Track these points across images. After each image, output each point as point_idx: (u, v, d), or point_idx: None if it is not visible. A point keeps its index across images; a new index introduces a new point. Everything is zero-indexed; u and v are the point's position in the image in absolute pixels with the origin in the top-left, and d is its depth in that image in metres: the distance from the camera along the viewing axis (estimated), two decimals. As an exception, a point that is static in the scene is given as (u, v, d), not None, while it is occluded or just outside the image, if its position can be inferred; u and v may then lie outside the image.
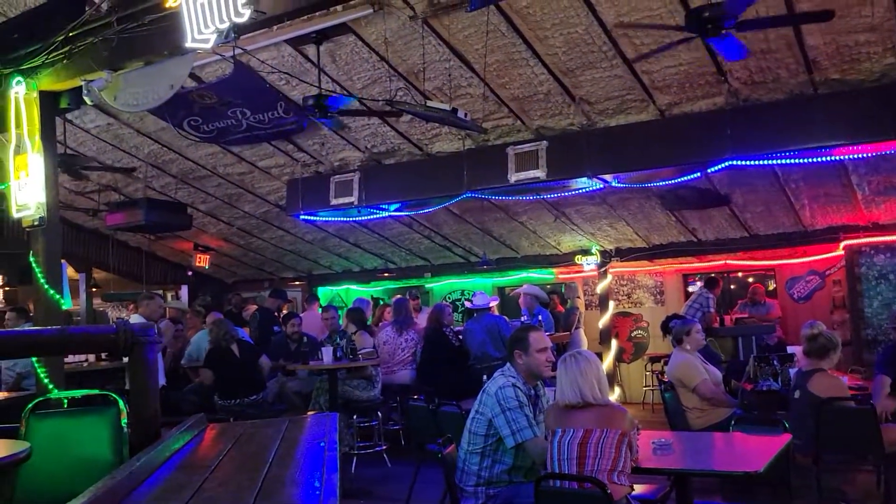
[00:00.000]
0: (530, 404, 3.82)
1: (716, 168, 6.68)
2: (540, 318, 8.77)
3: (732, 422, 4.69)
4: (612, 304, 10.52)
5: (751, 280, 10.66)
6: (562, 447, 3.32)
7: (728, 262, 10.02)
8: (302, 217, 9.02)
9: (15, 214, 4.74)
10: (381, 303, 11.15)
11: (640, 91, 6.27)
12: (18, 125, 4.63)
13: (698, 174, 7.01)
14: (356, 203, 8.24)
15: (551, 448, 3.38)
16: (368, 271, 12.50)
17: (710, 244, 9.50)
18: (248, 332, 8.61)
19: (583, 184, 7.37)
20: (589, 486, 3.14)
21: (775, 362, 5.86)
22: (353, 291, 13.05)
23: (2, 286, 11.27)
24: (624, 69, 5.97)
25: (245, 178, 9.25)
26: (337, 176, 8.39)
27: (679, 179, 7.15)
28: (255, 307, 10.34)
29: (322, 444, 2.62)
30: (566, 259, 10.47)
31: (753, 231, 9.03)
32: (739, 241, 9.27)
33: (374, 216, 9.08)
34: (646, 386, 10.32)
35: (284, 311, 9.84)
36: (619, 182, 7.34)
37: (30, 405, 3.02)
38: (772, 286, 10.37)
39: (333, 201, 8.39)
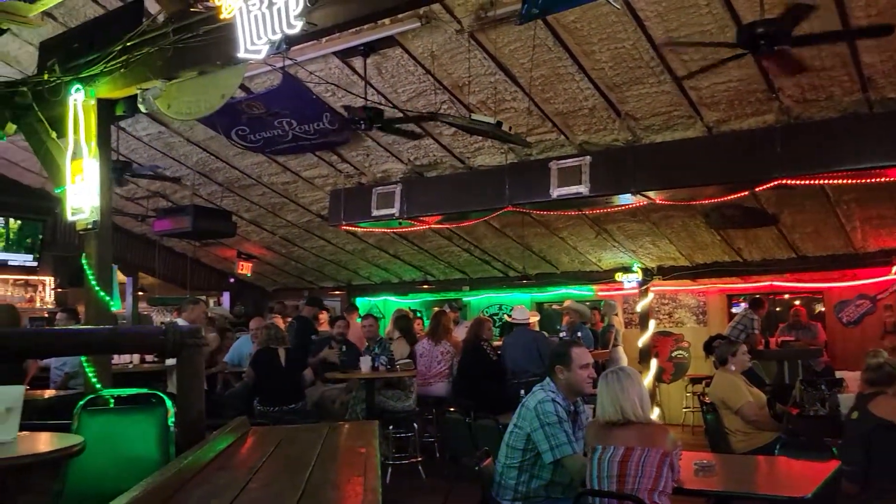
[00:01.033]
0: (570, 420, 3.78)
1: (764, 187, 6.57)
2: (580, 334, 8.69)
3: (778, 446, 4.58)
4: (652, 322, 10.38)
5: (797, 303, 10.43)
6: (602, 464, 3.28)
7: (774, 283, 9.82)
8: (343, 227, 9.11)
9: (70, 218, 4.86)
10: (418, 315, 11.17)
11: (687, 107, 6.22)
12: (76, 131, 4.76)
13: (745, 192, 6.90)
14: (397, 215, 8.28)
15: (591, 465, 3.34)
16: (407, 283, 12.55)
17: (756, 264, 9.33)
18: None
19: (626, 200, 7.31)
20: (629, 505, 3.10)
21: (823, 387, 5.71)
22: (390, 303, 13.10)
23: (53, 288, 11.56)
24: (671, 85, 5.93)
25: (289, 187, 9.38)
26: (379, 187, 8.46)
27: (725, 198, 7.05)
28: (279, 317, 10.39)
29: (363, 450, 2.64)
30: (606, 276, 10.38)
31: (802, 252, 8.85)
32: (787, 262, 9.09)
33: (415, 228, 9.12)
34: (686, 407, 10.14)
35: (322, 319, 9.90)
36: (662, 199, 7.27)
37: (81, 402, 3.10)
38: (819, 309, 10.12)
39: (375, 212, 8.45)
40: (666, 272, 9.98)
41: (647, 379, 9.96)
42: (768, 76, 5.59)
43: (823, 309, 10.03)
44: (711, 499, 3.71)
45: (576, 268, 10.69)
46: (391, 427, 7.27)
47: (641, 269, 10.02)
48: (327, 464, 2.44)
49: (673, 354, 10.62)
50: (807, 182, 6.37)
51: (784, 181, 6.21)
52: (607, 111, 6.49)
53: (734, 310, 10.37)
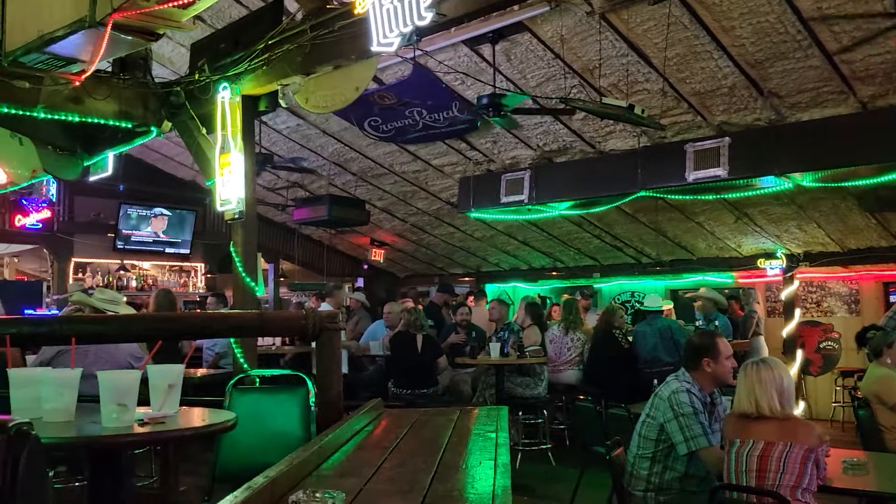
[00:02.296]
0: (706, 412, 3.66)
1: (926, 165, 6.03)
2: (717, 323, 8.35)
3: (941, 447, 4.22)
4: (797, 311, 9.79)
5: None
6: (740, 459, 3.16)
7: (938, 270, 9.01)
8: (473, 214, 9.20)
9: (218, 208, 5.19)
10: (550, 302, 11.11)
11: (838, 82, 5.79)
12: (223, 127, 5.07)
13: (905, 172, 6.36)
14: (526, 201, 8.26)
15: (728, 458, 3.22)
16: (536, 270, 12.50)
17: (917, 250, 8.59)
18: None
19: (769, 183, 6.93)
20: (769, 502, 2.96)
21: None
22: (520, 289, 13.10)
23: (204, 273, 12.43)
24: (820, 59, 5.54)
25: (419, 175, 9.57)
26: (508, 174, 8.46)
27: (881, 178, 6.53)
28: (409, 301, 10.64)
29: (492, 434, 2.67)
30: (747, 262, 9.89)
31: (970, 236, 8.07)
32: (953, 247, 8.32)
33: (545, 214, 9.06)
34: (835, 402, 9.53)
35: (453, 304, 10.08)
36: (810, 181, 6.83)
37: (232, 381, 3.33)
38: None
39: (504, 199, 8.47)
40: (813, 258, 9.38)
41: (792, 371, 9.43)
42: (932, 44, 5.11)
43: None
44: (863, 499, 3.48)
45: (713, 254, 10.25)
46: (521, 413, 7.30)
47: (786, 255, 9.47)
48: (458, 446, 2.49)
49: (821, 345, 10.00)
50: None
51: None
52: (748, 89, 6.16)
53: (893, 298, 9.60)
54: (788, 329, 9.72)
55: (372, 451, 2.44)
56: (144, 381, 2.54)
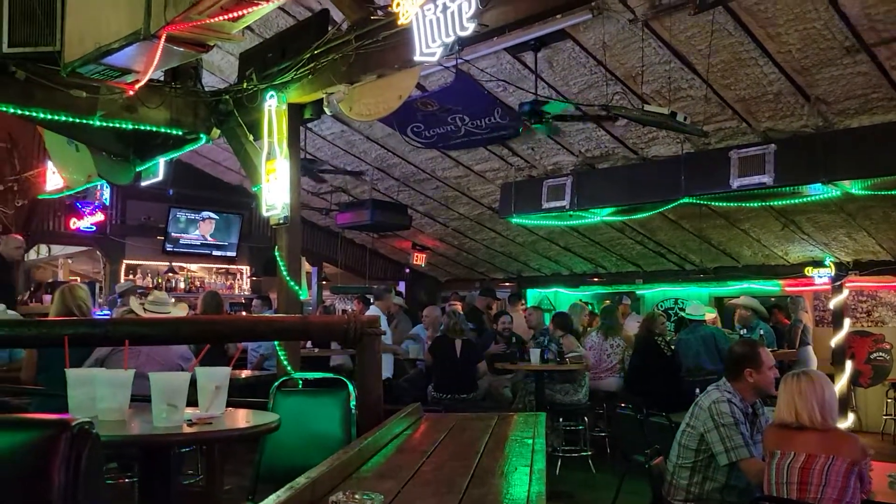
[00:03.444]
0: (747, 422, 3.63)
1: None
2: (761, 332, 8.22)
3: None
4: (847, 321, 9.57)
5: None
6: (780, 470, 3.12)
7: None
8: (514, 220, 9.21)
9: (264, 213, 5.33)
10: (590, 308, 11.05)
11: (888, 88, 5.68)
12: (270, 134, 5.20)
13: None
14: (568, 207, 8.25)
15: (769, 470, 3.19)
16: (578, 275, 12.45)
17: (972, 259, 8.34)
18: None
19: (816, 190, 6.81)
20: (812, 515, 2.93)
21: None
22: (561, 295, 13.06)
23: (249, 276, 12.67)
24: (870, 65, 5.45)
25: (461, 181, 9.63)
26: (550, 180, 8.46)
27: (934, 186, 6.37)
28: (458, 304, 10.70)
29: (529, 440, 2.70)
30: (794, 271, 9.71)
31: None
32: None
33: (586, 220, 9.03)
34: (886, 414, 9.28)
35: (493, 311, 10.10)
36: (860, 188, 6.69)
37: (276, 383, 3.43)
38: None
39: (545, 205, 8.47)
40: (863, 267, 9.16)
41: (842, 382, 9.23)
42: None
43: None
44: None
45: (759, 261, 10.09)
46: (561, 419, 7.29)
47: (835, 263, 9.28)
48: (495, 451, 2.52)
49: (871, 356, 9.74)
50: None
51: None
52: (795, 96, 6.07)
53: (946, 310, 9.34)
54: (837, 339, 9.51)
55: (410, 455, 2.50)
56: (193, 383, 2.64)
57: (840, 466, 2.99)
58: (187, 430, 2.42)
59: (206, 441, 2.92)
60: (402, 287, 14.00)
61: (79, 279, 12.44)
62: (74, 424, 1.08)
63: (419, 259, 13.00)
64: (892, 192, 6.85)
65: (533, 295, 13.22)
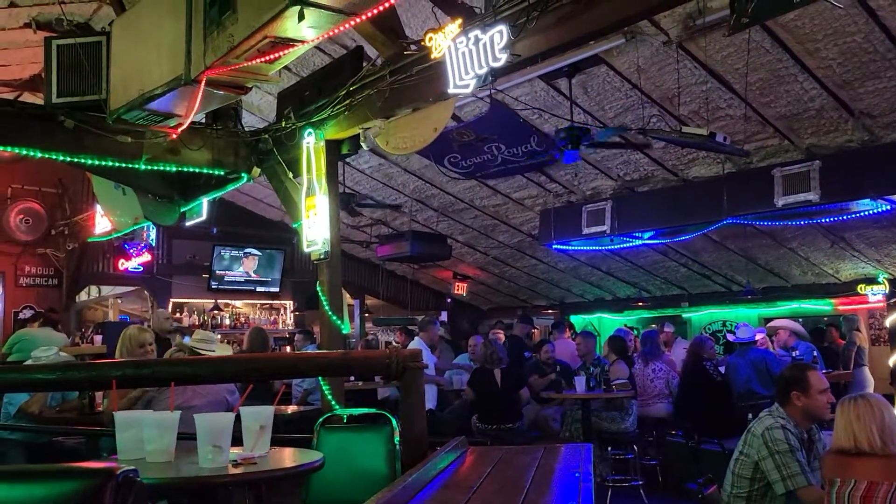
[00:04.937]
0: (803, 449, 3.51)
1: None
2: (796, 353, 8.00)
3: None
4: (904, 339, 9.25)
5: None
6: (842, 499, 3.00)
7: None
8: (554, 246, 9.16)
9: (305, 249, 5.37)
10: (636, 333, 10.88)
11: (935, 99, 5.54)
12: (309, 171, 5.26)
13: None
14: (608, 232, 8.18)
15: (829, 499, 3.07)
16: (621, 300, 12.30)
17: None
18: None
19: (865, 206, 6.64)
20: (876, 547, 2.80)
21: None
22: (605, 321, 12.90)
23: (293, 311, 12.79)
24: (914, 76, 5.33)
25: (500, 209, 9.63)
26: (589, 205, 8.41)
27: None
28: (501, 333, 10.63)
29: (577, 474, 2.64)
30: (846, 289, 9.45)
31: None
32: None
33: (627, 244, 8.94)
34: (951, 436, 8.89)
35: (536, 338, 10.01)
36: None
37: (321, 419, 3.43)
38: None
39: (585, 230, 8.41)
40: (919, 282, 8.88)
41: (901, 403, 8.90)
42: None
43: None
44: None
45: (809, 280, 9.85)
46: (609, 448, 7.15)
47: (889, 279, 9.00)
48: (542, 486, 2.48)
49: (932, 375, 9.39)
50: None
51: None
52: (837, 111, 5.96)
53: None
54: (895, 358, 9.18)
55: (456, 491, 2.46)
56: (237, 420, 2.66)
57: (905, 494, 2.86)
58: (232, 470, 2.43)
59: (252, 481, 2.92)
60: (444, 317, 13.99)
61: (129, 317, 12.72)
62: (119, 473, 1.09)
63: (460, 289, 12.98)
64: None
65: (577, 321, 13.07)
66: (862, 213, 6.93)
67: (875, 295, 9.10)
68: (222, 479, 2.44)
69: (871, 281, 9.11)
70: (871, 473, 2.98)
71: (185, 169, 5.55)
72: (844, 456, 3.10)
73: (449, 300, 13.88)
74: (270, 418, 2.67)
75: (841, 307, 10.16)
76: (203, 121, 5.77)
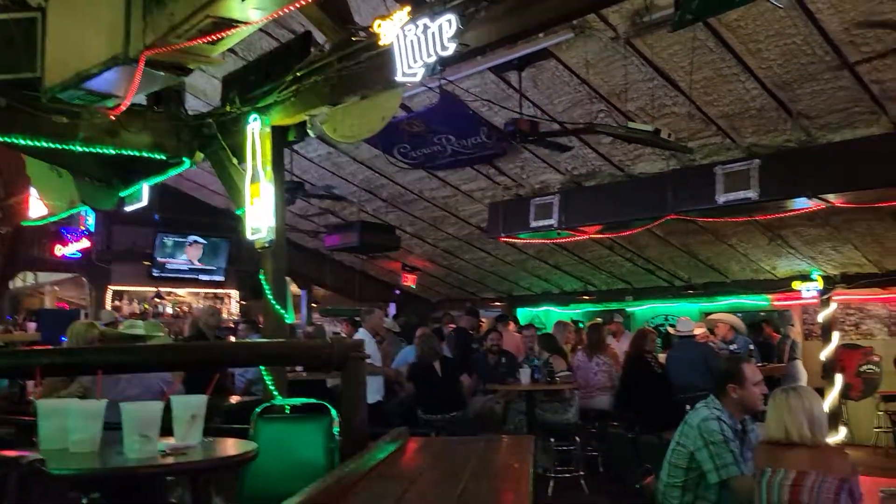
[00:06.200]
0: (737, 440, 3.59)
1: (964, 185, 5.90)
2: (733, 346, 8.23)
3: None
4: (836, 334, 9.58)
5: None
6: (771, 489, 3.08)
7: (983, 291, 8.76)
8: (502, 239, 9.20)
9: (249, 237, 5.27)
10: (580, 326, 11.02)
11: (868, 102, 5.72)
12: (253, 157, 5.16)
13: (942, 192, 6.22)
14: (556, 225, 8.24)
15: (759, 489, 3.15)
16: (568, 294, 12.43)
17: (960, 271, 8.37)
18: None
19: (801, 205, 6.83)
20: (803, 534, 2.89)
21: None
22: (552, 314, 13.03)
23: (238, 300, 12.58)
24: (850, 80, 5.48)
25: (449, 201, 9.62)
26: (537, 198, 8.46)
27: (918, 198, 6.40)
28: (452, 325, 10.65)
29: (516, 465, 2.65)
30: (782, 285, 9.72)
31: None
32: None
33: (574, 238, 9.03)
34: (877, 427, 9.26)
35: (483, 330, 10.04)
36: (844, 202, 6.71)
37: (258, 409, 3.37)
38: None
39: (533, 223, 8.46)
40: (850, 280, 9.18)
41: (832, 396, 9.21)
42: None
43: None
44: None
45: (748, 276, 10.10)
46: (552, 440, 7.23)
47: (822, 276, 9.30)
48: (480, 478, 2.47)
49: (861, 369, 9.74)
50: None
51: None
52: (777, 111, 6.10)
53: (935, 321, 9.36)
54: (827, 352, 9.51)
55: (395, 482, 2.44)
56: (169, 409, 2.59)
57: (831, 484, 2.95)
58: (161, 461, 2.36)
59: (180, 473, 2.85)
60: (392, 309, 13.94)
61: (67, 306, 12.34)
62: (24, 462, 1.04)
63: (409, 280, 12.94)
64: (876, 205, 6.88)
65: (524, 314, 13.17)
66: (798, 212, 7.12)
67: (809, 291, 9.38)
68: (149, 470, 2.37)
69: (806, 278, 9.38)
70: (799, 463, 3.07)
71: (124, 152, 5.39)
72: (775, 446, 3.18)
73: (397, 292, 13.83)
74: (203, 408, 2.61)
75: (777, 303, 10.47)
76: (144, 102, 5.61)
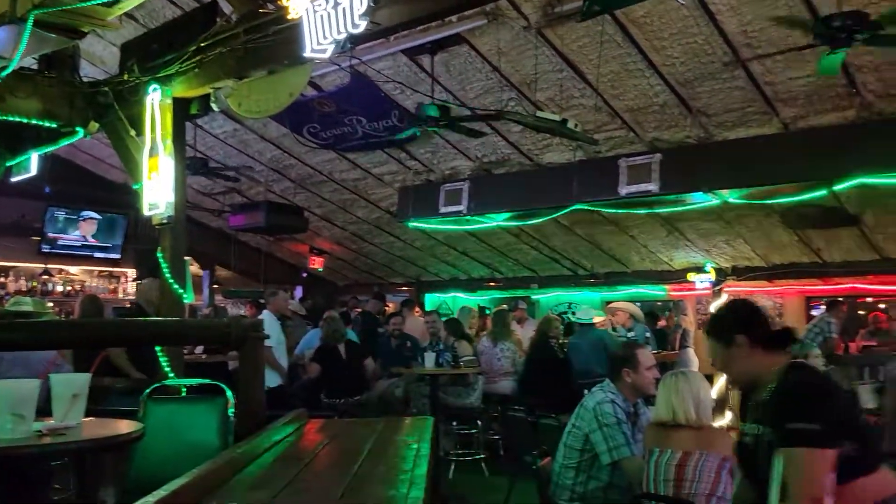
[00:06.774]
0: (629, 422, 3.73)
1: (844, 185, 6.29)
2: (630, 334, 8.54)
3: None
4: (726, 324, 10.06)
5: (881, 307, 9.93)
6: (658, 468, 3.22)
7: (856, 286, 9.38)
8: (411, 224, 9.19)
9: (146, 213, 5.05)
10: (487, 312, 11.17)
11: (762, 103, 6.01)
12: (153, 129, 4.93)
13: (824, 191, 6.62)
14: (465, 212, 8.31)
15: (647, 468, 3.28)
16: (475, 280, 12.57)
17: (837, 266, 8.94)
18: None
19: (698, 198, 7.13)
20: (686, 510, 3.02)
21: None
22: (460, 299, 13.14)
23: (135, 279, 12.06)
24: (745, 80, 5.75)
25: (359, 184, 9.53)
26: (447, 184, 8.50)
27: (803, 196, 6.79)
28: (359, 309, 10.61)
29: (414, 445, 2.66)
30: (679, 276, 10.14)
31: (886, 254, 8.43)
32: (870, 263, 8.68)
33: (483, 225, 9.12)
34: (760, 412, 9.80)
35: (388, 313, 10.03)
36: (736, 197, 7.06)
37: (147, 390, 3.24)
38: (905, 314, 9.61)
39: (443, 209, 8.50)
40: (741, 273, 9.68)
41: (720, 382, 9.68)
42: (848, 70, 5.35)
43: (911, 314, 9.52)
44: None
45: (647, 267, 10.48)
46: (454, 423, 7.30)
47: (715, 269, 9.75)
48: (377, 458, 2.47)
49: (748, 358, 10.27)
50: (891, 181, 6.07)
51: (865, 179, 5.94)
52: (678, 107, 6.33)
53: (814, 312, 9.97)
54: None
55: (289, 463, 2.40)
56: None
57: (712, 463, 3.11)
58: (35, 441, 2.23)
59: (58, 454, 2.71)
60: (298, 292, 13.71)
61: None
62: None
63: (317, 263, 12.76)
64: (765, 202, 7.26)
65: (432, 299, 13.23)
66: (695, 206, 7.43)
67: (702, 283, 9.82)
68: (21, 451, 2.23)
69: (700, 270, 9.82)
70: (684, 443, 3.21)
71: (10, 118, 5.05)
72: (663, 427, 3.32)
73: (304, 275, 13.62)
74: (85, 387, 2.48)
75: (673, 293, 10.90)
76: (35, 66, 5.28)
